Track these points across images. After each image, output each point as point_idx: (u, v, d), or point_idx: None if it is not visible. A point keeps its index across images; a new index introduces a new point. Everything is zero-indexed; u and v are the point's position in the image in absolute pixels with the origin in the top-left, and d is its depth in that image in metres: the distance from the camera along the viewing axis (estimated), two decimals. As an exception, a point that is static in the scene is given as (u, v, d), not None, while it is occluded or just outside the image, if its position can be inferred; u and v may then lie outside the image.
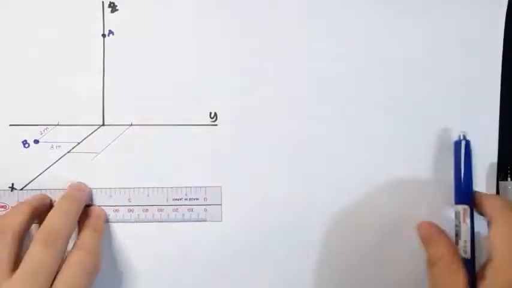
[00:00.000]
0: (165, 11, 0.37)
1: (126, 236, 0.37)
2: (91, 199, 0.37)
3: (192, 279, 0.37)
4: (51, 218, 0.34)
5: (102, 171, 0.37)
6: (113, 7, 0.37)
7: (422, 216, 0.37)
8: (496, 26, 0.37)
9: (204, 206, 0.37)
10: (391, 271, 0.37)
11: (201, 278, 0.37)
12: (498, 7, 0.37)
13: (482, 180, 0.37)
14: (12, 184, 0.37)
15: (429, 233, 0.35)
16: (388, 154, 0.37)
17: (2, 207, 0.37)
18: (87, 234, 0.35)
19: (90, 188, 0.37)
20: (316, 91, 0.37)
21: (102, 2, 0.37)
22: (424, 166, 0.37)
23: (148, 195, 0.37)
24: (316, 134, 0.37)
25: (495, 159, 0.37)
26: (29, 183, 0.37)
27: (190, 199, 0.37)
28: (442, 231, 0.34)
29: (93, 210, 0.37)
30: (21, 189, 0.37)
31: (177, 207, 0.37)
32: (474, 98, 0.37)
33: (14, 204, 0.37)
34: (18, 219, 0.33)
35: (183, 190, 0.37)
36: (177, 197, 0.37)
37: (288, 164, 0.37)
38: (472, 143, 0.36)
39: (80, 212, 0.36)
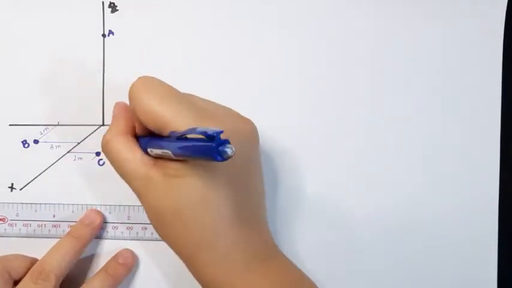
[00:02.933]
0: (165, 11, 0.37)
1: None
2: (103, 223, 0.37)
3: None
4: (49, 256, 0.35)
5: (102, 171, 0.37)
6: (113, 7, 0.37)
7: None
8: (496, 26, 0.37)
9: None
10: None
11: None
12: (498, 7, 0.37)
13: (484, 179, 0.37)
14: (12, 184, 0.37)
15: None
16: (384, 154, 0.37)
17: (1, 220, 0.37)
18: (97, 279, 0.35)
19: (102, 218, 0.37)
20: (317, 91, 0.37)
21: (102, 2, 0.37)
22: (422, 165, 0.37)
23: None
24: (316, 135, 0.37)
25: (497, 159, 0.37)
26: (29, 183, 0.37)
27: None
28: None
29: (122, 255, 0.37)
30: (21, 189, 0.37)
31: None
32: (475, 98, 0.37)
33: (12, 211, 0.37)
34: (63, 263, 0.35)
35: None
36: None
37: (288, 164, 0.37)
38: (473, 144, 0.36)
39: (83, 250, 0.36)
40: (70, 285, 0.36)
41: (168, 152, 0.27)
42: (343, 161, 0.37)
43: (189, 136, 0.26)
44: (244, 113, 0.32)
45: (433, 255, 0.37)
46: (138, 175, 0.30)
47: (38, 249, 0.36)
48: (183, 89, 0.32)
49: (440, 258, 0.37)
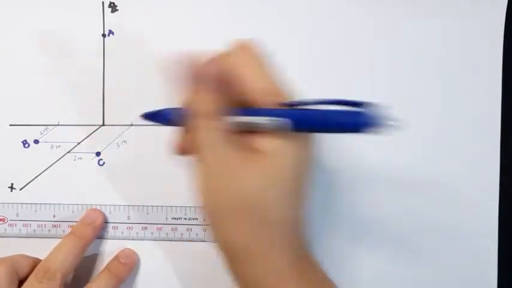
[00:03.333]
0: (165, 11, 0.37)
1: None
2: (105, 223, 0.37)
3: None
4: (52, 256, 0.35)
5: (102, 171, 0.37)
6: (113, 7, 0.37)
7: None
8: (496, 26, 0.37)
9: (203, 226, 0.37)
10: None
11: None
12: (498, 7, 0.37)
13: (484, 182, 0.37)
14: (12, 184, 0.37)
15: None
16: (384, 153, 0.37)
17: (1, 220, 0.37)
18: (102, 279, 0.35)
19: (103, 217, 0.37)
20: (316, 91, 0.37)
21: (102, 2, 0.37)
22: (425, 165, 0.37)
23: (147, 213, 0.37)
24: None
25: (497, 159, 0.37)
26: (29, 183, 0.37)
27: (189, 219, 0.37)
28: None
29: (124, 254, 0.37)
30: (21, 189, 0.37)
31: (176, 226, 0.37)
32: (475, 98, 0.37)
33: (12, 211, 0.37)
34: (67, 263, 0.34)
35: (182, 209, 0.37)
36: (176, 216, 0.37)
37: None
38: (473, 144, 0.36)
39: (86, 249, 0.36)
40: (72, 285, 0.36)
41: (276, 121, 0.25)
42: (343, 161, 0.37)
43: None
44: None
45: (433, 257, 0.37)
46: (223, 165, 0.26)
47: (38, 249, 0.36)
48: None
49: (440, 260, 0.37)
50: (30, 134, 0.37)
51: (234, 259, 0.27)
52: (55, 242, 0.36)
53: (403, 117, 0.37)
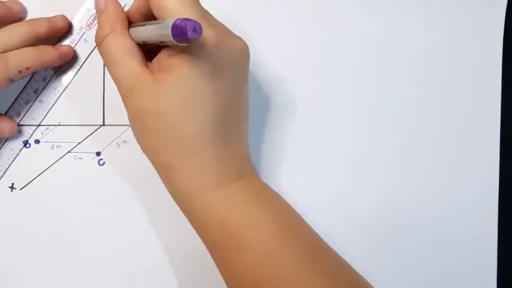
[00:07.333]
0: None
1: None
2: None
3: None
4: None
5: (102, 171, 0.37)
6: (113, 7, 0.37)
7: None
8: (496, 26, 0.37)
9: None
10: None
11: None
12: (498, 7, 0.37)
13: (484, 179, 0.37)
14: (12, 184, 0.37)
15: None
16: (386, 153, 0.37)
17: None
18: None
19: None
20: (317, 90, 0.37)
21: (103, 2, 0.37)
22: (423, 165, 0.37)
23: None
24: (317, 134, 0.37)
25: (497, 159, 0.37)
26: (29, 183, 0.37)
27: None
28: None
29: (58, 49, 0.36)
30: (21, 189, 0.37)
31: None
32: (475, 98, 0.37)
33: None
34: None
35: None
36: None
37: (288, 163, 0.37)
38: (473, 144, 0.36)
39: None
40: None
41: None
42: (345, 161, 0.37)
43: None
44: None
45: (432, 256, 0.37)
46: (129, 79, 0.30)
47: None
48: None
49: (440, 258, 0.37)
50: (31, 134, 0.38)
51: (163, 173, 0.31)
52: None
53: (402, 117, 0.37)
